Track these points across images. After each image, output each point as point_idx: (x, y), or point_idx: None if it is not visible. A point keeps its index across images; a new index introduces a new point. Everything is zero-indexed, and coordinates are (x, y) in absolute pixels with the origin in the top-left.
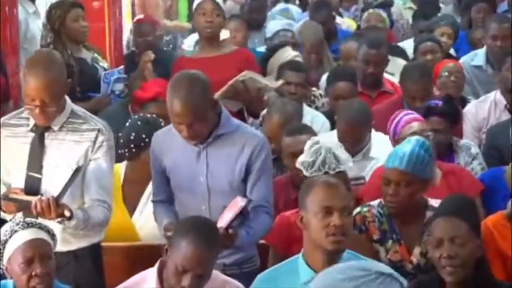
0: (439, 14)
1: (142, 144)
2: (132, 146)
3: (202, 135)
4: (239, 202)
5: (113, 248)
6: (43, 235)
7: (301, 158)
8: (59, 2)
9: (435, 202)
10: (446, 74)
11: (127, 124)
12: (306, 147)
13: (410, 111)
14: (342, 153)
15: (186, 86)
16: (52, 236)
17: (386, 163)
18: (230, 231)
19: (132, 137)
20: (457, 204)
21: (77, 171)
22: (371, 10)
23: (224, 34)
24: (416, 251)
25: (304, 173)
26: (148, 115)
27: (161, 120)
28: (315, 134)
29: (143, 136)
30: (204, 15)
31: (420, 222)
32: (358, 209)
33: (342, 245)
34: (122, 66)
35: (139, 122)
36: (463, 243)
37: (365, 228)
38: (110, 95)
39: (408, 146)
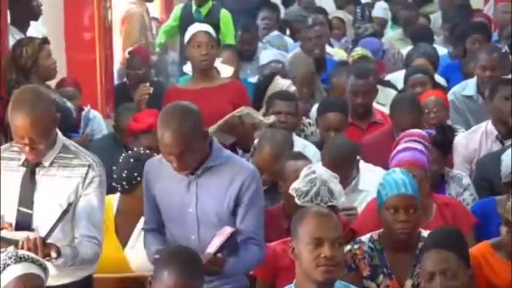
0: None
1: (134, 181)
2: (124, 183)
3: (191, 166)
4: (227, 230)
5: (105, 280)
6: (35, 269)
7: (295, 185)
8: (28, 39)
9: (427, 233)
10: (426, 110)
11: (120, 160)
12: (302, 174)
13: (407, 146)
14: (337, 187)
15: (177, 117)
16: (44, 269)
17: (384, 192)
18: (219, 255)
19: (124, 175)
20: (446, 236)
21: (65, 211)
22: (359, 50)
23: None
24: (408, 283)
25: (296, 200)
26: (142, 151)
27: (154, 154)
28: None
29: (135, 174)
30: (198, 47)
31: (413, 254)
32: (349, 247)
33: (333, 276)
34: (89, 105)
35: (131, 159)
36: (454, 275)
37: (355, 266)
38: (89, 135)
39: (400, 174)
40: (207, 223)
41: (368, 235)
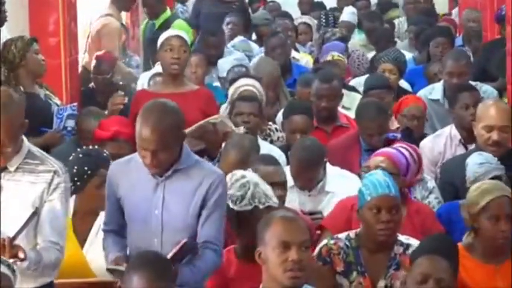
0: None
1: (85, 176)
2: (76, 179)
3: (164, 165)
4: (181, 240)
5: (66, 285)
6: (3, 269)
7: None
8: (18, 36)
9: (404, 238)
10: (406, 114)
11: (70, 158)
12: (233, 179)
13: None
14: (268, 190)
15: (158, 112)
16: (13, 271)
17: (367, 192)
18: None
19: (75, 171)
20: (445, 245)
21: (34, 213)
22: (335, 54)
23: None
24: (381, 283)
25: (232, 206)
26: (90, 147)
27: (105, 151)
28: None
29: (86, 168)
30: (170, 51)
31: (388, 255)
32: (325, 241)
33: (300, 281)
34: (75, 103)
35: (80, 155)
36: (447, 286)
37: (330, 260)
38: (62, 130)
39: (382, 175)
40: (171, 227)
41: (345, 233)
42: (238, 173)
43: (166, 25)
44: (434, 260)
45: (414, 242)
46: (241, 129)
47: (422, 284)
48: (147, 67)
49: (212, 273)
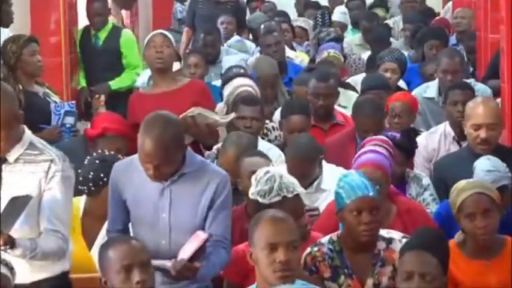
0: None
1: (101, 182)
2: (91, 184)
3: (167, 176)
4: (201, 235)
5: (75, 280)
6: (2, 269)
7: (253, 190)
8: (15, 36)
9: (385, 232)
10: (393, 113)
11: (86, 162)
12: (256, 178)
13: (372, 149)
14: (292, 179)
15: (160, 127)
16: (11, 269)
17: (346, 194)
18: (197, 264)
19: (90, 176)
20: (431, 239)
21: (12, 200)
22: (331, 51)
23: (175, 66)
24: (369, 282)
25: (261, 201)
26: (106, 152)
27: (120, 157)
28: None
29: (102, 175)
30: (154, 47)
31: (372, 253)
32: (308, 250)
33: (289, 280)
34: (74, 101)
35: (96, 161)
36: (432, 281)
37: (315, 269)
38: (61, 127)
39: (358, 176)
40: (179, 228)
41: (327, 237)
42: (261, 170)
43: (110, 37)
44: (419, 255)
45: (396, 235)
46: (230, 117)
47: (407, 280)
48: None
49: (221, 270)
